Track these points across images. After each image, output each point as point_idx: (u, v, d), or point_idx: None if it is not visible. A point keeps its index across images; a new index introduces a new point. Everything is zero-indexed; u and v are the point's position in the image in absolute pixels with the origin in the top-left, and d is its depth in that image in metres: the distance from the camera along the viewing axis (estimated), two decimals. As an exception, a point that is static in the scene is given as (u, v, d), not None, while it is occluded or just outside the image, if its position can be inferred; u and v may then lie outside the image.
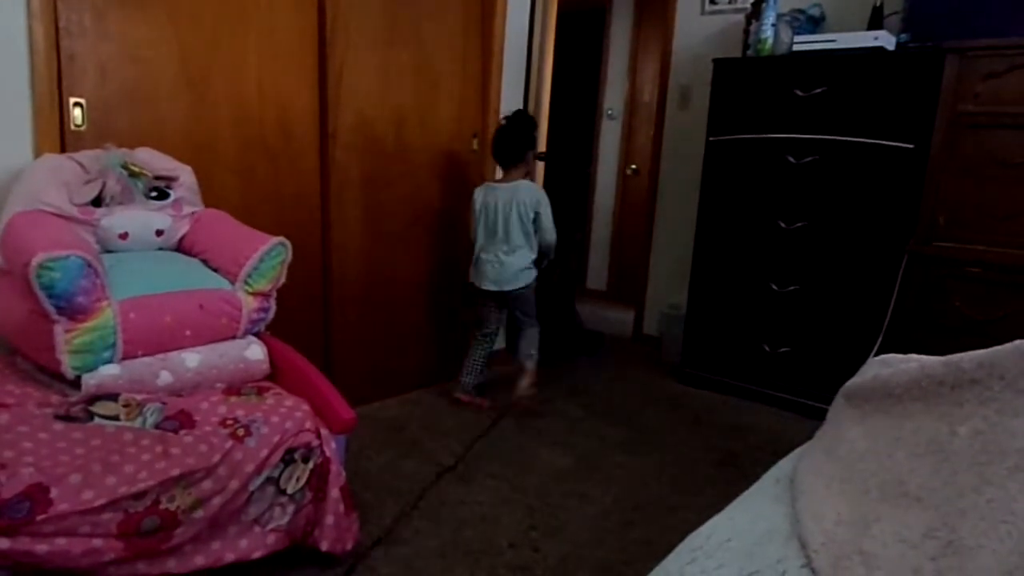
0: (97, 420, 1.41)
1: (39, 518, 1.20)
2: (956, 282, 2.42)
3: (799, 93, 2.73)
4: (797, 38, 2.79)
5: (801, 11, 2.99)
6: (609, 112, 5.01)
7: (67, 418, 1.40)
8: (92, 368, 1.47)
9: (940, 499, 0.77)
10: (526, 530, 1.92)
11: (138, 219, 1.76)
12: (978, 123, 2.34)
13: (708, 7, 3.50)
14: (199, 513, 1.38)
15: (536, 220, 2.70)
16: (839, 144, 2.67)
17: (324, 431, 1.62)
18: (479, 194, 2.76)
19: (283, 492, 1.53)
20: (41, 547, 1.21)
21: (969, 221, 2.39)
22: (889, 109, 2.55)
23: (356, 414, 1.69)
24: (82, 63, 1.87)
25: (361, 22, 2.47)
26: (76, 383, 1.47)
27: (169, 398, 1.55)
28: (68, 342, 1.42)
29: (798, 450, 1.27)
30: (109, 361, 1.50)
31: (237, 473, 1.44)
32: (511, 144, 2.73)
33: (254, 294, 1.76)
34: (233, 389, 1.67)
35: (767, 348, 2.94)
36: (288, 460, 1.54)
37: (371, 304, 2.72)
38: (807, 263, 2.81)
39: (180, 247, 1.88)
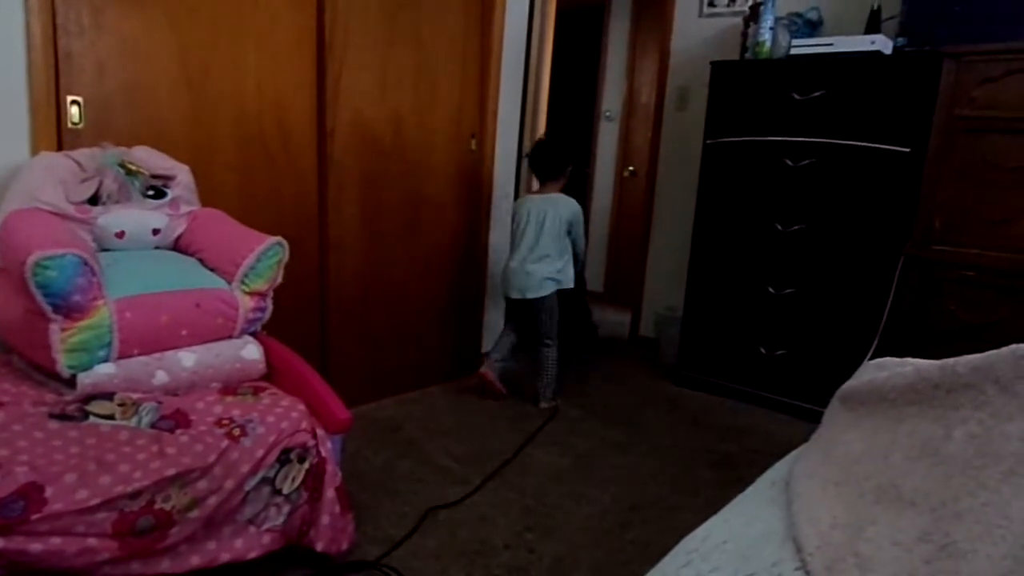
0: (92, 419, 1.41)
1: (33, 517, 1.20)
2: (952, 286, 2.43)
3: (797, 96, 2.74)
4: (795, 41, 2.79)
5: (799, 14, 3.00)
6: (607, 113, 5.02)
7: (62, 417, 1.39)
8: (88, 367, 1.47)
9: (935, 502, 0.78)
10: (522, 531, 1.93)
11: (135, 218, 1.75)
12: (974, 127, 2.35)
13: (706, 9, 3.50)
14: (194, 513, 1.38)
15: (570, 232, 2.82)
16: (836, 147, 2.67)
17: (320, 431, 1.62)
18: (516, 206, 2.90)
19: (279, 492, 1.53)
20: (35, 546, 1.20)
21: (965, 225, 2.40)
22: (886, 113, 2.55)
23: (352, 414, 1.69)
24: (80, 61, 1.86)
25: (360, 21, 2.47)
26: (72, 382, 1.46)
27: (165, 397, 1.54)
28: (64, 341, 1.42)
29: (794, 453, 1.27)
30: (105, 360, 1.49)
31: (233, 473, 1.44)
32: (552, 158, 2.84)
33: (251, 294, 1.76)
34: (229, 389, 1.66)
35: (763, 350, 2.94)
36: (284, 460, 1.53)
37: (368, 304, 2.72)
38: (804, 266, 2.81)
39: (177, 246, 1.87)
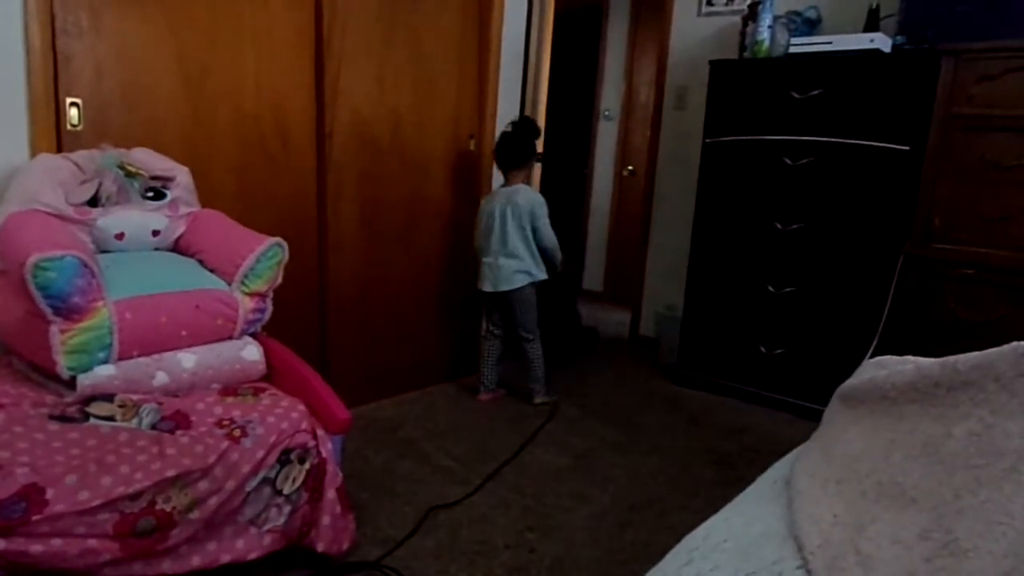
0: (93, 421, 1.41)
1: (34, 518, 1.20)
2: (951, 284, 2.43)
3: (795, 95, 2.74)
4: (793, 40, 2.79)
5: (797, 13, 3.00)
6: (606, 113, 5.02)
7: (63, 419, 1.39)
8: (88, 368, 1.47)
9: (936, 500, 0.78)
10: (522, 531, 1.93)
11: (134, 219, 1.75)
12: (973, 125, 2.35)
13: (705, 8, 3.50)
14: (195, 514, 1.38)
15: (534, 226, 2.74)
16: (835, 146, 2.67)
17: (320, 432, 1.62)
18: (484, 202, 2.85)
19: (279, 493, 1.53)
20: (36, 548, 1.20)
21: (964, 223, 2.40)
22: (885, 111, 2.56)
23: (352, 415, 1.69)
24: (78, 63, 1.86)
25: (358, 22, 2.47)
26: (72, 384, 1.46)
27: (165, 399, 1.54)
28: (64, 342, 1.42)
29: (794, 451, 1.28)
30: (105, 362, 1.49)
31: (233, 474, 1.44)
32: (514, 149, 2.78)
33: (250, 294, 1.76)
34: (229, 390, 1.66)
35: (763, 349, 2.94)
36: (284, 461, 1.53)
37: (368, 304, 2.72)
38: (803, 265, 2.81)
39: (176, 247, 1.87)
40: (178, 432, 1.44)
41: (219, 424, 1.49)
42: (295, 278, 2.09)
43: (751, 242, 2.94)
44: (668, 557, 0.96)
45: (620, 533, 1.94)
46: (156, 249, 1.83)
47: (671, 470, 2.35)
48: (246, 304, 1.74)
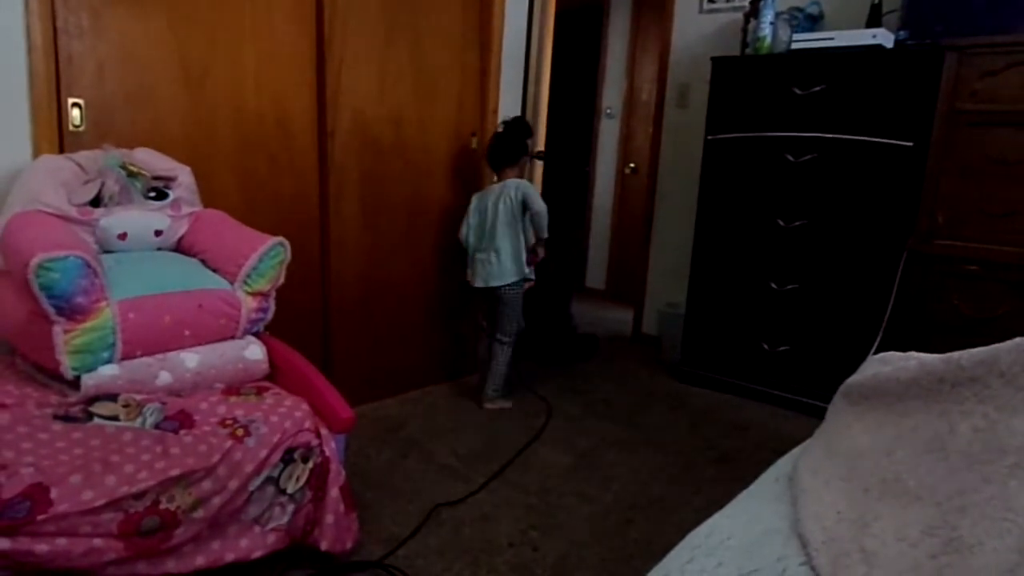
0: (96, 420, 1.41)
1: (39, 518, 1.20)
2: (955, 280, 2.43)
3: (798, 91, 2.73)
4: (795, 36, 2.79)
5: (799, 9, 2.99)
6: (608, 111, 5.01)
7: (66, 418, 1.40)
8: (91, 368, 1.47)
9: (940, 497, 0.77)
10: (525, 529, 1.93)
11: (137, 219, 1.75)
12: (976, 121, 2.34)
13: (706, 5, 3.49)
14: (199, 513, 1.38)
15: (524, 203, 2.69)
16: (838, 142, 2.67)
17: (324, 430, 1.62)
18: (476, 198, 2.82)
19: (283, 492, 1.53)
20: (41, 547, 1.21)
21: (968, 219, 2.39)
22: (888, 107, 2.55)
23: (355, 413, 1.69)
24: (80, 63, 1.86)
25: (359, 21, 2.47)
26: (75, 383, 1.47)
27: (168, 398, 1.55)
28: (67, 342, 1.42)
29: (798, 448, 1.27)
30: (108, 361, 1.50)
31: (237, 473, 1.44)
32: (505, 149, 2.78)
33: (253, 294, 1.76)
34: (232, 389, 1.67)
35: (766, 346, 2.94)
36: (288, 460, 1.54)
37: (370, 303, 2.72)
38: (806, 261, 2.81)
39: (179, 247, 1.88)
40: (182, 432, 1.44)
41: (222, 423, 1.49)
42: (297, 278, 2.09)
43: (754, 239, 2.93)
44: (671, 555, 0.96)
45: (623, 531, 1.94)
46: (159, 249, 1.83)
47: (674, 468, 2.35)
48: (249, 304, 1.75)
